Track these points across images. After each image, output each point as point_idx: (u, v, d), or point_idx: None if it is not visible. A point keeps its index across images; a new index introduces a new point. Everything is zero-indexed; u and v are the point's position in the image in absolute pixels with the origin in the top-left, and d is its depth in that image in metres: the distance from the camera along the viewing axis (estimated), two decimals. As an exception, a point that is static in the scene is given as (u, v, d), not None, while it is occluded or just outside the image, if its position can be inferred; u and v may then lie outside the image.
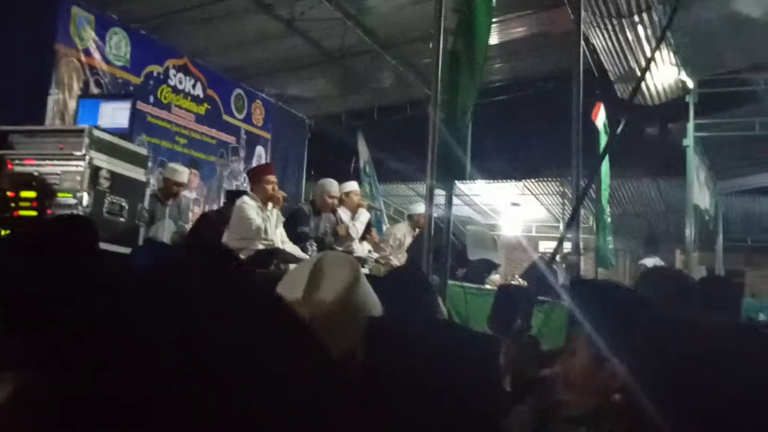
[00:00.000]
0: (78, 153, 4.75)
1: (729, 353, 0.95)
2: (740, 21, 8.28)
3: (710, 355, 0.95)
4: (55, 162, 4.76)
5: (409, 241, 7.70)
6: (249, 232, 5.66)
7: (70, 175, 4.70)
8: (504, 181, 13.84)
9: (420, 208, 8.04)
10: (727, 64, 9.77)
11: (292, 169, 11.65)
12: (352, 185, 7.24)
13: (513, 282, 7.40)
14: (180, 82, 9.36)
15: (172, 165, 7.44)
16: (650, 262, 9.20)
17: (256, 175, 6.15)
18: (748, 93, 10.25)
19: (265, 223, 5.73)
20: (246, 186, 10.60)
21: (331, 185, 6.83)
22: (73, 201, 4.65)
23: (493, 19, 5.59)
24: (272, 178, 5.99)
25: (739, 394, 0.90)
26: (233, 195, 7.19)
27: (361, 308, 1.39)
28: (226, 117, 10.28)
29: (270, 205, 5.87)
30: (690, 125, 10.27)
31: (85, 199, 4.68)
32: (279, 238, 5.89)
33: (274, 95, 11.28)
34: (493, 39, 8.69)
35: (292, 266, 5.15)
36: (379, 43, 9.17)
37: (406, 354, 1.10)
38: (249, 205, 5.77)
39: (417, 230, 7.76)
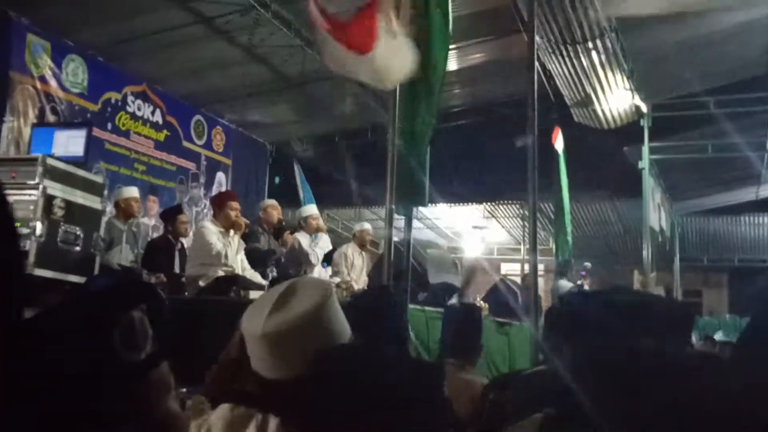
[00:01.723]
0: (31, 182, 4.67)
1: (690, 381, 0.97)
2: (692, 46, 8.52)
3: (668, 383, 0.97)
4: (8, 191, 4.67)
5: (358, 261, 7.70)
6: (209, 257, 5.60)
7: (23, 204, 4.61)
8: (466, 204, 13.95)
9: (361, 225, 8.10)
10: (680, 88, 10.03)
11: (253, 195, 11.60)
12: (310, 209, 7.23)
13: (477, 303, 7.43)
14: (138, 109, 9.29)
15: (119, 188, 7.35)
16: (565, 284, 9.33)
17: (219, 202, 6.09)
18: (701, 116, 10.52)
19: (226, 248, 5.68)
20: (206, 212, 10.57)
21: (270, 200, 7.09)
22: (26, 231, 4.56)
23: (452, 46, 5.67)
24: (235, 204, 5.94)
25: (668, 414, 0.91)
26: (167, 215, 7.13)
27: (327, 329, 1.42)
28: (185, 143, 10.22)
29: (232, 231, 5.82)
30: (645, 148, 10.50)
31: (39, 228, 4.60)
32: (240, 264, 5.85)
33: (234, 121, 11.26)
34: (452, 65, 8.81)
35: (252, 293, 5.13)
36: (338, 69, 9.22)
37: (352, 383, 1.11)
38: (209, 230, 5.72)
39: (362, 248, 7.81)
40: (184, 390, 1.54)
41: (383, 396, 1.07)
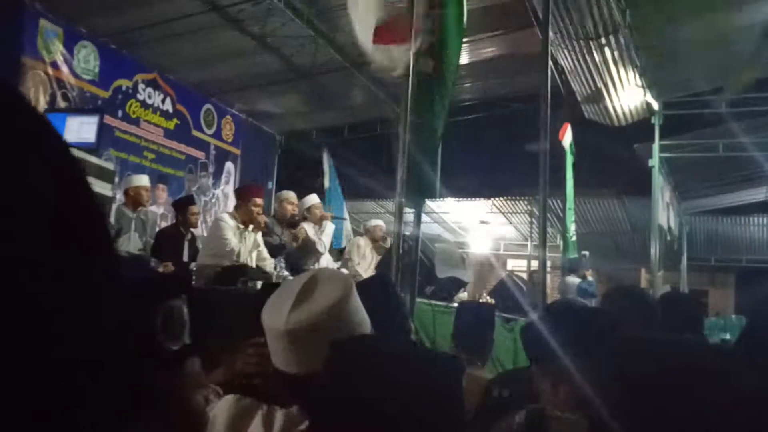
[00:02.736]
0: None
1: (690, 372, 0.97)
2: (705, 44, 8.47)
3: (671, 374, 0.97)
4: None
5: (369, 254, 7.72)
6: (222, 251, 5.59)
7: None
8: (473, 199, 13.94)
9: (375, 221, 8.13)
10: (692, 86, 9.97)
11: (262, 185, 11.62)
12: (312, 199, 7.20)
13: (480, 300, 7.43)
14: (149, 97, 9.30)
15: (129, 176, 7.35)
16: (573, 280, 9.33)
17: (244, 195, 5.97)
18: (712, 115, 10.46)
19: (240, 245, 5.64)
20: (214, 201, 10.57)
21: (288, 193, 6.89)
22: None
23: (464, 40, 5.64)
24: (259, 201, 5.84)
25: (699, 412, 0.91)
26: (179, 205, 7.13)
27: (349, 323, 1.42)
28: (195, 132, 10.22)
29: (250, 227, 5.78)
30: (655, 146, 10.45)
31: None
32: (253, 263, 5.83)
33: (244, 111, 11.26)
34: (464, 59, 8.78)
35: (259, 284, 5.12)
36: (350, 61, 9.21)
37: (370, 377, 1.11)
38: (226, 224, 5.64)
39: (376, 243, 7.83)
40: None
41: (403, 387, 1.07)
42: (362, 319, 1.47)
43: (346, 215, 10.99)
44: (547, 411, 1.32)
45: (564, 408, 1.49)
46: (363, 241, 7.81)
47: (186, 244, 6.70)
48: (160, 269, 5.79)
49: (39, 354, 0.42)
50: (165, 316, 0.81)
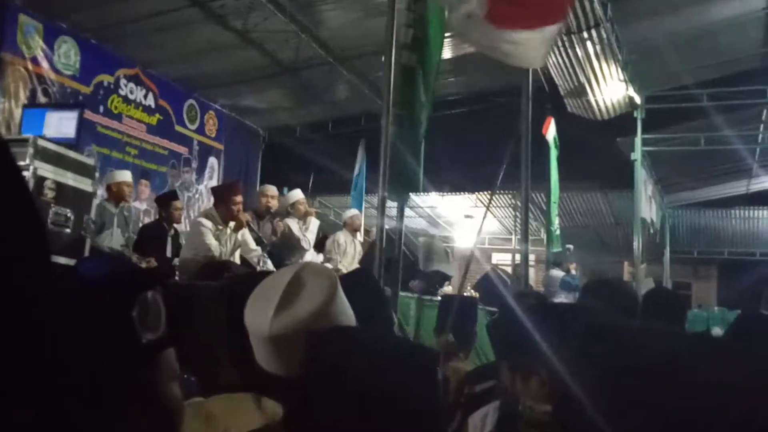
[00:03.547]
0: (22, 163, 4.65)
1: (668, 362, 0.98)
2: (686, 38, 8.54)
3: (648, 364, 0.98)
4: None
5: (350, 248, 7.71)
6: (204, 251, 5.54)
7: (14, 186, 4.58)
8: (457, 193, 13.96)
9: (350, 211, 8.12)
10: (674, 79, 10.05)
11: (245, 181, 11.57)
12: (296, 194, 7.17)
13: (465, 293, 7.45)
14: (131, 92, 9.24)
15: (111, 171, 7.31)
16: (557, 274, 9.39)
17: (222, 194, 5.89)
18: (693, 109, 10.54)
19: (221, 248, 5.60)
20: (197, 197, 10.53)
21: (267, 187, 6.90)
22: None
23: (446, 34, 5.65)
24: (239, 198, 5.73)
25: (679, 403, 0.92)
26: (162, 200, 7.10)
27: (337, 321, 1.37)
28: (178, 128, 10.17)
29: (230, 225, 5.73)
30: (638, 140, 10.52)
31: (30, 210, 4.57)
32: (237, 260, 5.81)
33: (227, 106, 11.21)
34: (447, 53, 8.79)
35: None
36: (333, 55, 9.20)
37: (343, 367, 1.11)
38: (206, 228, 5.55)
39: (354, 234, 7.82)
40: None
41: (373, 377, 1.07)
42: (348, 316, 1.43)
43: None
44: (520, 403, 1.33)
45: (536, 400, 1.50)
46: (342, 236, 7.78)
47: (169, 240, 6.68)
48: (143, 264, 5.76)
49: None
50: (140, 307, 0.81)
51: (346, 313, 1.44)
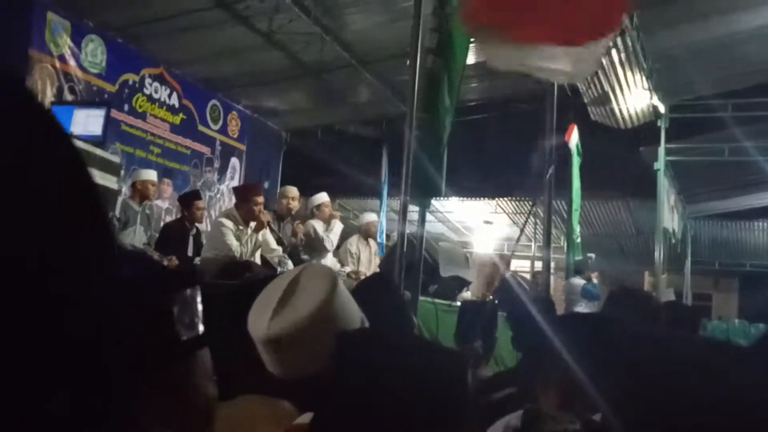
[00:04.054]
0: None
1: (700, 368, 0.97)
2: (712, 47, 8.46)
3: (683, 370, 0.97)
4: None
5: (364, 253, 7.69)
6: (225, 251, 5.58)
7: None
8: (477, 199, 13.92)
9: (367, 217, 8.10)
10: (699, 89, 9.96)
11: (266, 183, 11.62)
12: (322, 197, 7.22)
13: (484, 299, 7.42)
14: (156, 91, 9.31)
15: (136, 169, 7.38)
16: (578, 282, 9.34)
17: (244, 194, 5.97)
18: (718, 119, 10.44)
19: (242, 248, 5.64)
20: (219, 197, 10.58)
21: (288, 188, 6.93)
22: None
23: (471, 39, 5.63)
24: (260, 199, 5.82)
25: (709, 408, 0.91)
26: (185, 199, 7.13)
27: (336, 323, 1.36)
28: (201, 127, 10.23)
29: (251, 226, 5.76)
30: (661, 149, 10.43)
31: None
32: (258, 260, 5.84)
33: (250, 107, 11.26)
34: (470, 59, 8.75)
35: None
36: (356, 58, 9.21)
37: (375, 369, 1.11)
38: (227, 228, 5.62)
39: (369, 240, 7.79)
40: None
41: (407, 380, 1.07)
42: (352, 316, 1.42)
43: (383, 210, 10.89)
44: (543, 411, 1.32)
45: (560, 411, 1.49)
46: (355, 242, 7.73)
47: (191, 239, 6.72)
48: (164, 263, 5.80)
49: (47, 347, 0.43)
50: (180, 306, 0.82)
51: (349, 313, 1.42)
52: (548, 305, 3.39)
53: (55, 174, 0.46)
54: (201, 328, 0.84)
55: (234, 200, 6.32)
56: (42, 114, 0.45)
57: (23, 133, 0.43)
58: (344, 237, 7.58)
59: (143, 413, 0.79)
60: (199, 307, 0.84)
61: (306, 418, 1.21)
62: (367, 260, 7.68)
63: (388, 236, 7.99)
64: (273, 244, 5.98)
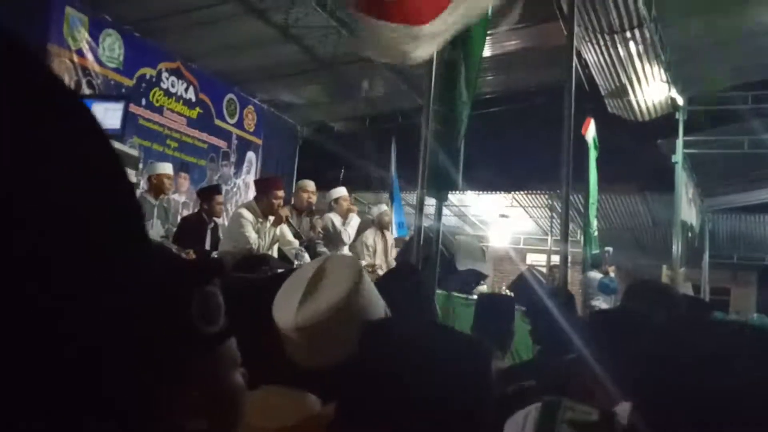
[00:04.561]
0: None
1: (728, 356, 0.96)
2: (731, 38, 8.37)
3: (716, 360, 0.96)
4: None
5: (380, 245, 7.70)
6: (243, 243, 5.62)
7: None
8: (493, 192, 13.90)
9: (379, 208, 8.10)
10: (718, 81, 9.86)
11: (282, 177, 11.64)
12: (340, 191, 7.24)
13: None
14: (172, 86, 9.35)
15: (153, 163, 7.41)
16: (595, 275, 9.29)
17: (264, 187, 5.99)
18: (737, 111, 10.34)
19: (260, 241, 5.67)
20: (235, 191, 10.62)
21: (306, 182, 6.91)
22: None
23: (488, 32, 5.61)
24: (280, 193, 5.84)
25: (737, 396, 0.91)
26: (205, 193, 7.15)
27: (362, 312, 1.37)
28: (217, 121, 10.27)
29: (270, 220, 5.78)
30: (679, 142, 10.35)
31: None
32: (275, 254, 5.87)
33: (266, 101, 11.28)
34: (486, 51, 8.73)
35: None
36: (372, 52, 9.19)
37: (401, 357, 1.11)
38: (246, 219, 5.65)
39: (384, 231, 7.80)
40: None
41: (429, 367, 1.07)
42: (376, 305, 1.43)
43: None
44: (563, 402, 1.32)
45: (579, 400, 1.48)
46: (371, 235, 7.75)
47: (209, 233, 6.74)
48: (182, 256, 5.83)
49: (71, 341, 0.43)
50: (200, 300, 0.82)
51: (374, 302, 1.43)
52: (569, 298, 3.38)
53: (88, 160, 0.45)
54: (222, 322, 0.84)
55: (255, 193, 6.34)
56: (71, 98, 0.45)
57: (53, 121, 0.43)
58: (360, 230, 7.59)
59: (172, 408, 0.80)
60: (221, 301, 0.85)
61: (329, 408, 1.21)
62: (383, 252, 7.69)
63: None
64: (290, 236, 6.00)
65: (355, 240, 7.51)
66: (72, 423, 0.43)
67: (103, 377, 0.45)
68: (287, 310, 1.35)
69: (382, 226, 7.84)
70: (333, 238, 6.77)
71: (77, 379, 0.43)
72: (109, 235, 0.45)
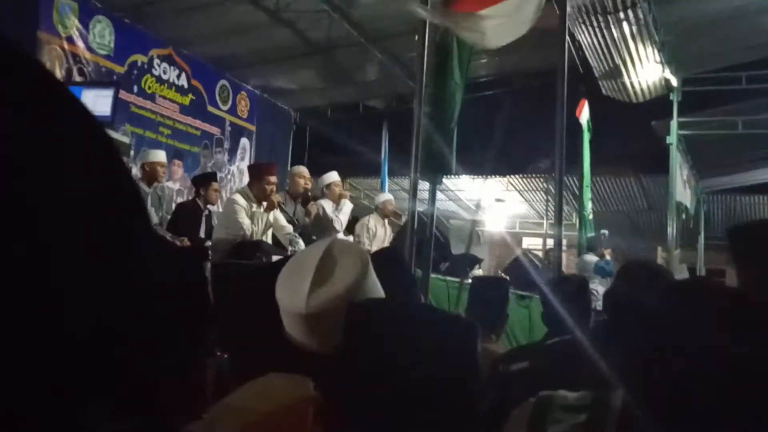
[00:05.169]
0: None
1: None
2: (725, 18, 8.33)
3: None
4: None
5: (381, 231, 7.71)
6: (236, 229, 5.61)
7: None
8: (488, 176, 13.88)
9: (382, 196, 8.10)
10: (712, 61, 9.83)
11: (277, 163, 11.60)
12: (332, 176, 7.21)
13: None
14: (164, 72, 9.29)
15: (146, 150, 7.39)
16: (590, 259, 9.31)
17: (258, 172, 6.00)
18: (732, 91, 10.31)
19: (254, 227, 5.66)
20: (229, 178, 10.60)
21: (300, 168, 6.97)
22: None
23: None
24: (273, 179, 5.85)
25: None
26: (200, 180, 7.14)
27: (369, 296, 1.38)
28: (210, 108, 10.22)
29: (263, 206, 5.78)
30: (674, 123, 10.33)
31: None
32: (270, 239, 5.87)
33: (259, 87, 11.23)
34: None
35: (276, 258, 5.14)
36: (365, 35, 9.13)
37: (385, 337, 1.10)
38: (239, 205, 5.65)
39: (386, 219, 7.81)
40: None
41: (414, 347, 1.06)
42: (380, 291, 1.44)
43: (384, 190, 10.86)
44: (555, 398, 1.31)
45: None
46: (373, 220, 7.77)
47: (204, 220, 6.74)
48: (177, 243, 5.82)
49: (75, 329, 0.43)
50: (189, 286, 0.81)
51: (377, 288, 1.44)
52: (583, 282, 3.38)
53: (91, 155, 0.45)
54: (210, 308, 0.84)
55: (248, 178, 6.34)
56: (66, 94, 0.45)
57: (52, 121, 0.43)
58: (354, 217, 7.58)
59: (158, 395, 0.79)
60: (209, 287, 0.84)
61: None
62: (382, 239, 7.70)
63: (398, 215, 7.96)
64: (283, 222, 5.99)
65: (356, 221, 7.52)
66: (77, 407, 0.43)
67: (114, 363, 0.45)
68: (296, 295, 1.35)
69: (385, 214, 7.84)
70: (324, 224, 6.74)
71: (87, 364, 0.43)
72: (113, 222, 0.45)
